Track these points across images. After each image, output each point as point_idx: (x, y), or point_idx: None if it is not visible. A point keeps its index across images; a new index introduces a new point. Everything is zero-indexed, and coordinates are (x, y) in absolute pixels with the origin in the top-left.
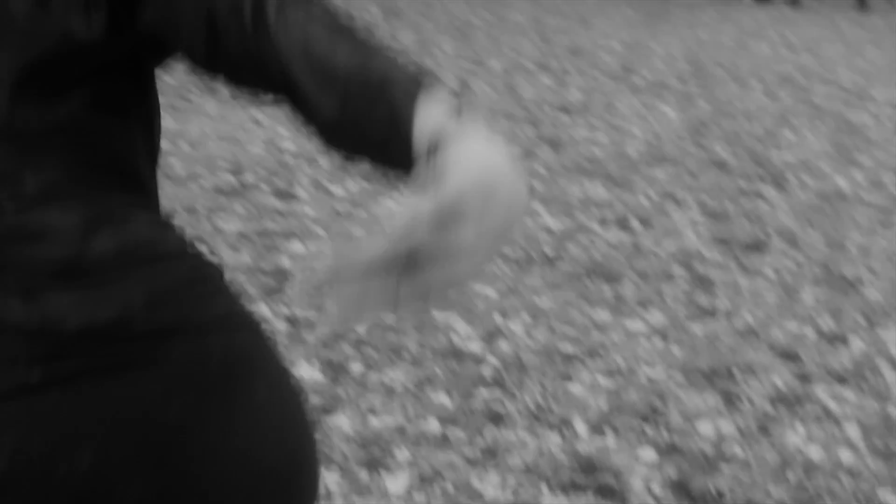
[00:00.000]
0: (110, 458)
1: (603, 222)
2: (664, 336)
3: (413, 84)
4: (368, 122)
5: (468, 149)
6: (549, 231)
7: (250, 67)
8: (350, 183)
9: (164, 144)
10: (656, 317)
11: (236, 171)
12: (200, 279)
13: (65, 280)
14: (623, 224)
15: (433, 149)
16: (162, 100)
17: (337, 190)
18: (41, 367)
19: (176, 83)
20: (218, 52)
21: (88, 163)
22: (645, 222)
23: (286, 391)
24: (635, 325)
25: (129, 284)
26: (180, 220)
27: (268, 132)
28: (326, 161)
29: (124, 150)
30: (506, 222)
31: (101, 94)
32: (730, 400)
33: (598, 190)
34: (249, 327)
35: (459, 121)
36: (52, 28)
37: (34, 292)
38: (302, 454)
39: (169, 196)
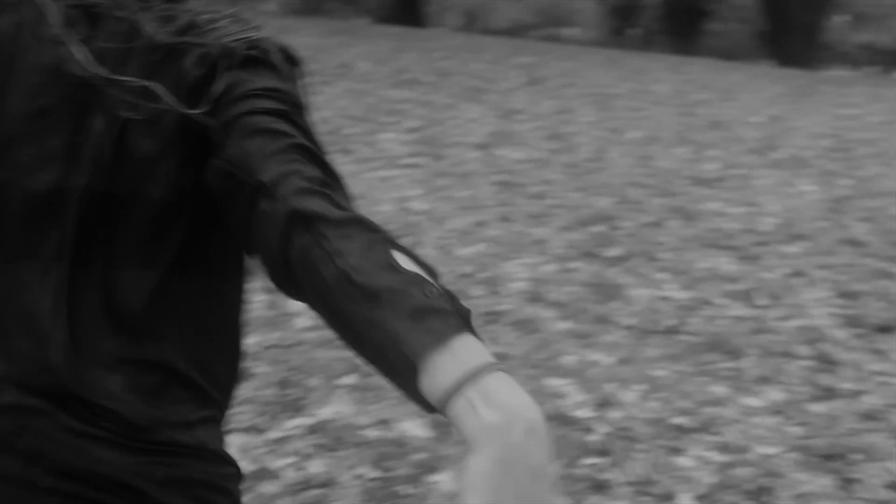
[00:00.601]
0: None
1: (728, 296)
2: (781, 414)
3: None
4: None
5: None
6: (671, 302)
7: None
8: (478, 245)
9: None
10: (775, 394)
11: None
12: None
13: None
14: (748, 299)
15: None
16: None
17: (462, 251)
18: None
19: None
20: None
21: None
22: (772, 298)
23: None
24: (752, 401)
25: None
26: None
27: (399, 192)
28: (455, 223)
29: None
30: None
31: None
32: (844, 484)
33: (726, 263)
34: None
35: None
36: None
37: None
38: None
39: None
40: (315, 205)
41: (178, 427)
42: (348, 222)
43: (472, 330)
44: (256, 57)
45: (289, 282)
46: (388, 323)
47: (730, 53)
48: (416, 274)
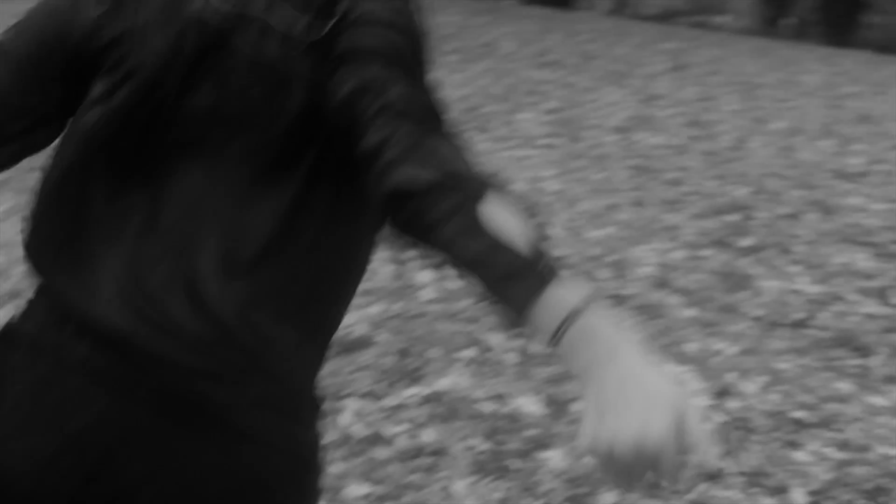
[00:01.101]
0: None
1: (862, 292)
2: None
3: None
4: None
5: (622, 384)
6: (802, 295)
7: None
8: (608, 229)
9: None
10: None
11: None
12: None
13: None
14: (884, 296)
15: (563, 331)
16: None
17: (592, 234)
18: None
19: (452, 118)
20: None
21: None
22: None
23: None
24: (878, 400)
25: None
26: None
27: (533, 172)
28: (586, 205)
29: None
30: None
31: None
32: None
33: (863, 260)
34: (302, 458)
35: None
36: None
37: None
38: None
39: None
40: (405, 179)
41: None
42: (435, 190)
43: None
44: None
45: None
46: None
47: (888, 47)
48: (498, 240)
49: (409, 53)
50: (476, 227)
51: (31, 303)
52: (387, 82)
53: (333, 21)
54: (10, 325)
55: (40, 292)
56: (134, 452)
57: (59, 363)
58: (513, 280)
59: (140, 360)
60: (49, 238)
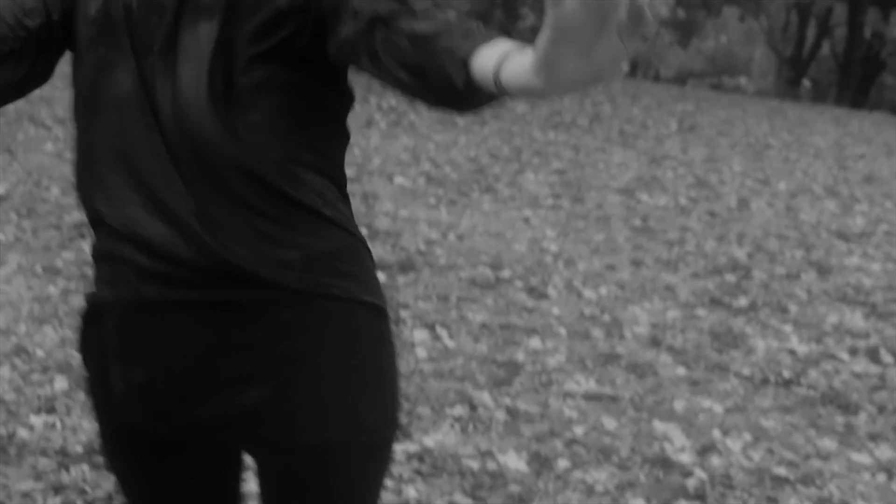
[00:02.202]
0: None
1: (852, 351)
2: (890, 473)
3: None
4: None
5: None
6: (792, 354)
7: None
8: (605, 288)
9: (434, 234)
10: (886, 452)
11: (495, 265)
12: (349, 253)
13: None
14: (874, 356)
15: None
16: (440, 193)
17: (589, 294)
18: (214, 289)
19: (458, 179)
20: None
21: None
22: None
23: (386, 366)
24: (861, 457)
25: (296, 241)
26: (430, 307)
27: (535, 232)
28: (585, 266)
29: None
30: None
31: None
32: None
33: (856, 319)
34: (374, 307)
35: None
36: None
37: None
38: (388, 419)
39: (425, 282)
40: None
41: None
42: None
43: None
44: None
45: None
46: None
47: None
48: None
49: None
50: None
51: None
52: None
53: None
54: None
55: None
56: (226, 352)
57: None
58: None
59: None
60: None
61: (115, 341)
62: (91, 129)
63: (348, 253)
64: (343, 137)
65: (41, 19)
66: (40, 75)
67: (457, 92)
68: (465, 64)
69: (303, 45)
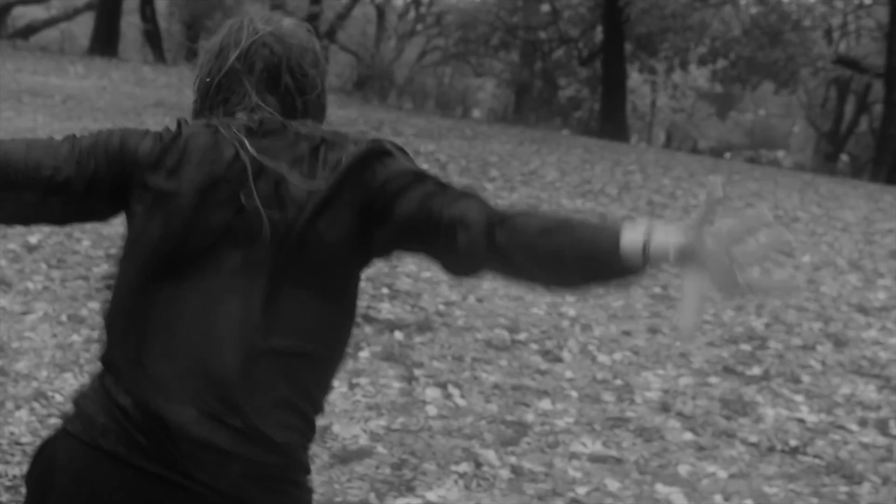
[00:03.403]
0: None
1: (862, 423)
2: None
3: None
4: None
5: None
6: (801, 423)
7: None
8: (620, 354)
9: (454, 296)
10: None
11: (512, 328)
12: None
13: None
14: (883, 427)
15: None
16: None
17: (603, 358)
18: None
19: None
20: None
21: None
22: None
23: None
24: None
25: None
26: (444, 366)
27: (555, 297)
28: (602, 331)
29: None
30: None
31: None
32: None
33: (868, 391)
34: None
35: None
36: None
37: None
38: None
39: (442, 342)
40: (495, 214)
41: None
42: (518, 214)
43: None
44: (387, 150)
45: (486, 261)
46: (583, 229)
47: None
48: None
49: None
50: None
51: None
52: (434, 186)
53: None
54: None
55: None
56: None
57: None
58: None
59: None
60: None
61: (65, 479)
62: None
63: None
64: None
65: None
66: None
67: (606, 266)
68: (617, 235)
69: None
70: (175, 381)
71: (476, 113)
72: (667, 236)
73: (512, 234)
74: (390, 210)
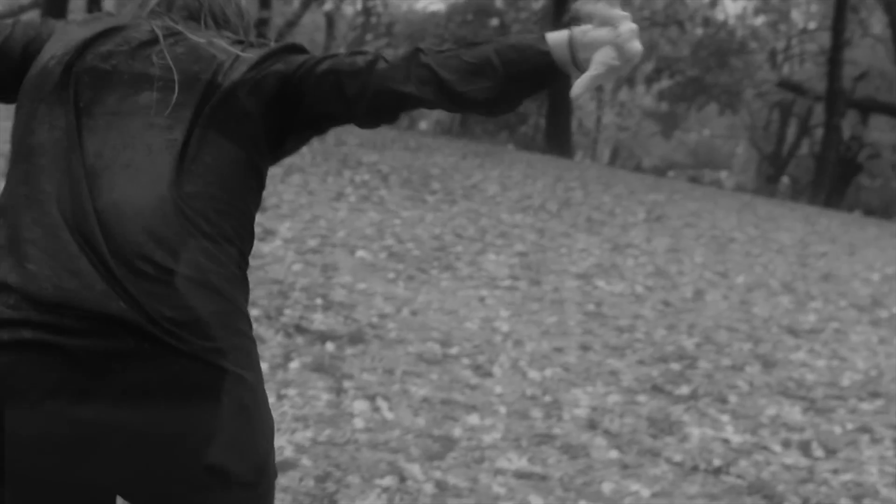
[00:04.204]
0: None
1: (785, 444)
2: None
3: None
4: (517, 81)
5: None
6: (725, 443)
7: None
8: (548, 370)
9: (388, 308)
10: None
11: (445, 342)
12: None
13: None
14: (806, 449)
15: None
16: (400, 268)
17: (533, 374)
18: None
19: (419, 255)
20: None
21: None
22: (829, 451)
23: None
24: None
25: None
26: (374, 379)
27: (489, 311)
28: (533, 347)
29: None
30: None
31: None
32: None
33: (794, 413)
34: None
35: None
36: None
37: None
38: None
39: (373, 355)
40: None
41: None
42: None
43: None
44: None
45: (410, 85)
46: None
47: (879, 209)
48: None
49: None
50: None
51: None
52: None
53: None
54: None
55: None
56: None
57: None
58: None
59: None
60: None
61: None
62: None
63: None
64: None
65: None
66: None
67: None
68: (543, 40)
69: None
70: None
71: (423, 125)
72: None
73: (436, 54)
74: (311, 71)
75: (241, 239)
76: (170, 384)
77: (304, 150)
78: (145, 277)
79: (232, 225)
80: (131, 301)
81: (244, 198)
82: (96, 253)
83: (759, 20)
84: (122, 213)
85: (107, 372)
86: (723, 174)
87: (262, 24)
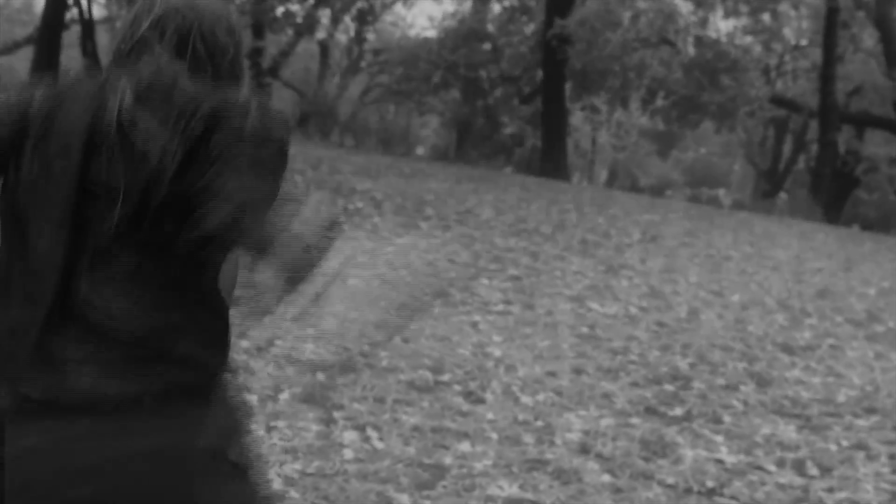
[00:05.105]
0: None
1: (780, 463)
2: None
3: None
4: None
5: None
6: (720, 463)
7: None
8: (540, 395)
9: (380, 335)
10: None
11: (436, 369)
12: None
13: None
14: (800, 468)
15: None
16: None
17: (526, 399)
18: None
19: (413, 282)
20: None
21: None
22: (824, 470)
23: None
24: None
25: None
26: (364, 408)
27: (481, 337)
28: (526, 371)
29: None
30: None
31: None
32: None
33: (788, 431)
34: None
35: None
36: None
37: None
38: None
39: (364, 384)
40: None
41: None
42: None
43: None
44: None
45: None
46: None
47: (877, 223)
48: None
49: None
50: None
51: None
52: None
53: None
54: None
55: None
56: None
57: None
58: None
59: None
60: None
61: None
62: None
63: None
64: None
65: None
66: None
67: None
68: None
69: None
70: None
71: (419, 151)
72: None
73: None
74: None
75: None
76: None
77: (298, 179)
78: None
79: None
80: None
81: None
82: None
83: (750, 39)
84: None
85: None
86: (720, 192)
87: (257, 53)
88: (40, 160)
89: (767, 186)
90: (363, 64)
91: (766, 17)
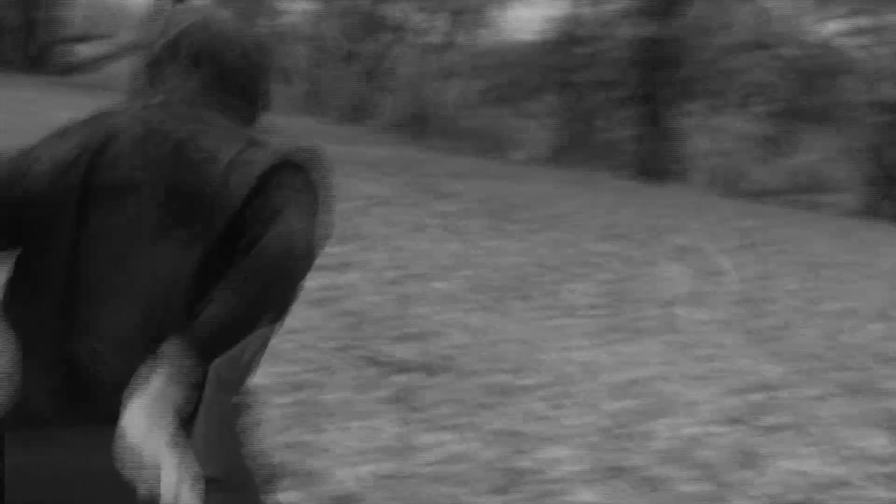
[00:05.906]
0: None
1: (872, 478)
2: None
3: None
4: None
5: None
6: (808, 477)
7: None
8: (627, 402)
9: (463, 339)
10: None
11: (519, 372)
12: None
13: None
14: (890, 483)
15: None
16: (479, 299)
17: (607, 406)
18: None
19: (499, 286)
20: None
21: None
22: None
23: None
24: None
25: None
26: (445, 411)
27: (566, 342)
28: (610, 377)
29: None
30: None
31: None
32: None
33: (883, 445)
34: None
35: None
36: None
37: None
38: None
39: (443, 386)
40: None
41: None
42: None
43: None
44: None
45: None
46: None
47: None
48: None
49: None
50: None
51: None
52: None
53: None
54: None
55: None
56: None
57: None
58: None
59: None
60: None
61: None
62: None
63: None
64: None
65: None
66: None
67: None
68: None
69: None
70: None
71: (517, 155)
72: None
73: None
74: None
75: None
76: None
77: (388, 182)
78: None
79: None
80: None
81: None
82: None
83: (854, 41)
84: None
85: None
86: (827, 198)
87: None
88: (113, 203)
89: (875, 192)
90: (462, 67)
91: (872, 19)
